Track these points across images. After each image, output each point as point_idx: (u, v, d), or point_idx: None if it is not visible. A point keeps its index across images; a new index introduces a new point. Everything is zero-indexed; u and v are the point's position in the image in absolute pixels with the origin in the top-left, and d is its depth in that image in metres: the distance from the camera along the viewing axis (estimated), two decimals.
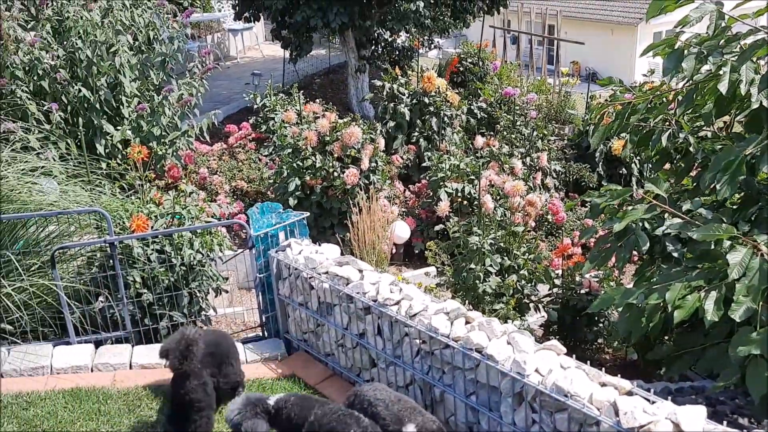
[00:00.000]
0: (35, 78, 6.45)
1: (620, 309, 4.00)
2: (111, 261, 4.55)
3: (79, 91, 6.54)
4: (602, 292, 5.67)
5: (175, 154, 7.36)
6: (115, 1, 7.10)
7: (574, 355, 3.33)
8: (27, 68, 6.42)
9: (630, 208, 4.10)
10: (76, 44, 6.60)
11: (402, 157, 8.42)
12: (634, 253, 4.26)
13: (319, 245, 4.82)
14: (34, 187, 4.84)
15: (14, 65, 6.30)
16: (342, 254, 4.79)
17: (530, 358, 3.25)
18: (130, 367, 4.41)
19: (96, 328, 4.65)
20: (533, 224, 7.42)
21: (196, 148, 8.02)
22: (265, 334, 5.06)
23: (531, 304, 5.85)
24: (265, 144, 8.59)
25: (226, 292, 5.33)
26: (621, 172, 9.31)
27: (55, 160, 5.68)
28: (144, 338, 4.71)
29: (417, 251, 7.37)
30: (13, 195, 4.69)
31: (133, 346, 4.58)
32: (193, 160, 7.87)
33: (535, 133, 8.96)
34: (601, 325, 5.69)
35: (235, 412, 3.48)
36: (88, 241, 4.73)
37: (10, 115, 6.05)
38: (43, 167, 5.24)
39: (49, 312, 4.48)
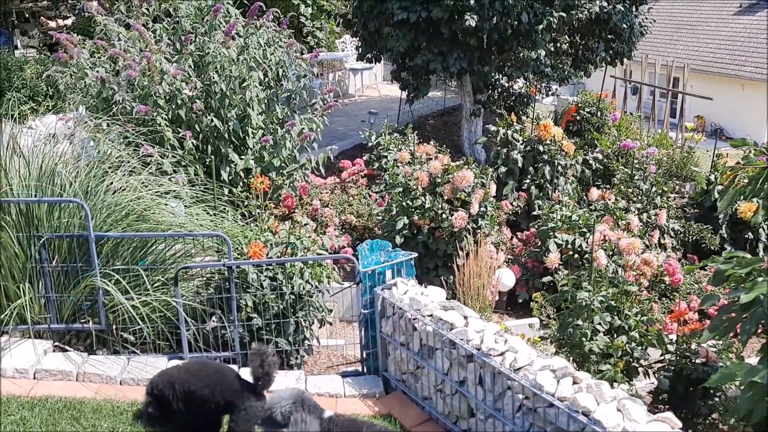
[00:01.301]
0: (174, 107, 6.97)
1: (742, 386, 3.73)
2: (227, 284, 4.78)
3: (212, 121, 7.00)
4: (720, 363, 5.32)
5: (291, 185, 7.69)
6: (250, 39, 7.58)
7: (690, 431, 3.13)
8: (168, 98, 6.96)
9: (760, 279, 3.84)
10: (213, 78, 7.08)
11: (512, 204, 8.33)
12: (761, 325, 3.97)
13: (425, 287, 4.84)
14: (166, 209, 5.20)
15: (157, 94, 6.85)
16: (448, 298, 4.78)
17: (641, 429, 3.09)
18: None
19: (207, 346, 4.88)
20: (646, 284, 7.10)
21: (311, 181, 8.33)
22: (365, 370, 5.11)
23: (640, 369, 5.57)
24: (377, 181, 8.78)
25: (330, 324, 5.45)
26: (747, 236, 8.73)
27: (184, 184, 6.08)
28: None
29: (520, 300, 7.23)
30: (147, 214, 5.07)
31: (239, 367, 4.76)
32: (308, 192, 8.17)
33: (654, 188, 8.61)
34: (717, 399, 5.31)
35: (289, 401, 3.44)
36: (209, 263, 5.01)
37: (149, 140, 6.56)
38: (174, 190, 5.62)
39: (166, 327, 4.76)
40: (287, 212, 7.57)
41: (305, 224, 6.25)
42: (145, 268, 4.79)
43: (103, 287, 4.59)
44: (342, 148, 10.79)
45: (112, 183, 5.17)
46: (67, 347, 4.77)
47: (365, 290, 4.94)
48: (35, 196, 4.77)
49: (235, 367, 4.60)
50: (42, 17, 10.37)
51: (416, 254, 5.24)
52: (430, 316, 4.39)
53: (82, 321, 4.81)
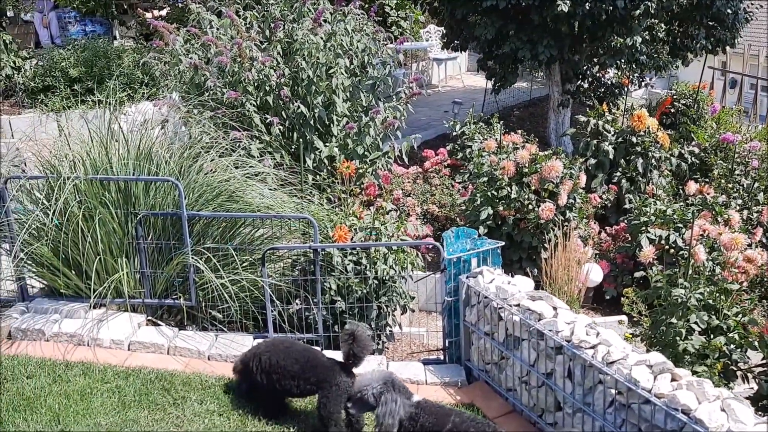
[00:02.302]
0: (262, 93, 7.09)
1: None
2: (312, 266, 4.82)
3: (298, 107, 7.08)
4: None
5: (374, 173, 7.68)
6: (338, 26, 7.61)
7: None
8: (257, 84, 7.08)
9: None
10: (301, 65, 7.15)
11: (601, 197, 8.03)
12: None
13: (512, 276, 4.71)
14: (255, 190, 5.29)
15: (247, 81, 6.98)
16: (536, 289, 4.64)
17: (749, 431, 2.88)
18: None
19: (291, 327, 4.93)
20: (745, 284, 6.68)
21: (393, 170, 8.30)
22: (446, 358, 5.04)
23: (739, 372, 5.23)
24: (460, 171, 8.65)
25: (413, 311, 5.41)
26: None
27: (270, 169, 6.18)
28: (332, 344, 4.91)
29: (608, 297, 6.96)
30: (236, 195, 5.17)
31: (322, 349, 4.79)
32: (390, 180, 8.14)
33: (756, 184, 8.09)
34: None
35: (380, 382, 3.46)
36: (296, 245, 5.06)
37: (238, 125, 6.69)
38: (261, 173, 5.71)
39: (252, 306, 4.85)
40: (370, 200, 7.58)
41: (389, 211, 6.22)
42: (234, 248, 4.89)
43: (194, 265, 4.71)
44: (424, 138, 10.69)
45: (203, 165, 5.30)
46: (159, 321, 4.93)
47: (449, 278, 4.86)
48: (133, 174, 4.95)
49: (318, 348, 4.64)
50: (139, 8, 10.79)
51: (503, 243, 5.11)
52: (517, 305, 4.27)
53: (174, 297, 4.96)
